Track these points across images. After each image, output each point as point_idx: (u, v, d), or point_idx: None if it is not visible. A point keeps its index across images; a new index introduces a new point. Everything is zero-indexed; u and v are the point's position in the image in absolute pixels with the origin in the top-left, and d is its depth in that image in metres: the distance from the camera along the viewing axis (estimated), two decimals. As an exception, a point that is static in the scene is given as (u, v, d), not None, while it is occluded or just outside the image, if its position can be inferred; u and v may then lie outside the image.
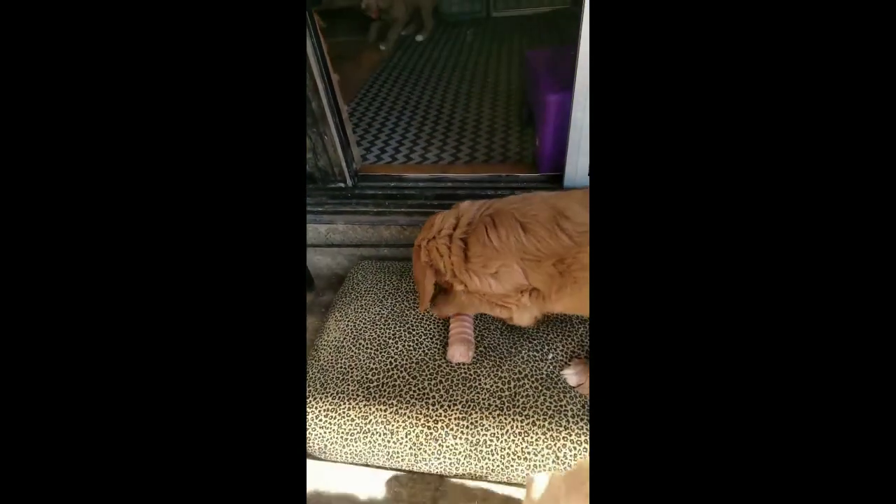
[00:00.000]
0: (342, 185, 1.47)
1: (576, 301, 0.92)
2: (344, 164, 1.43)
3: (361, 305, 1.31)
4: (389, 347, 1.16)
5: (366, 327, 1.23)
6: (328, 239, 1.54)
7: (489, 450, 0.98)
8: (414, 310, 1.26)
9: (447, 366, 1.10)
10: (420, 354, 1.14)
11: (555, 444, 0.95)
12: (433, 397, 1.05)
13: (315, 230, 1.53)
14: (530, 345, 1.13)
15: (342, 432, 1.04)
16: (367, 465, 1.10)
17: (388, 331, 1.21)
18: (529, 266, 0.93)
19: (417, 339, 1.17)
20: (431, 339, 1.17)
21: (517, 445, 0.97)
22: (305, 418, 1.06)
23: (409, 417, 1.02)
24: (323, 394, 1.09)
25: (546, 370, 1.07)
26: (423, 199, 1.40)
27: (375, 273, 1.42)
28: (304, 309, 1.58)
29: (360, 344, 1.19)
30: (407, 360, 1.13)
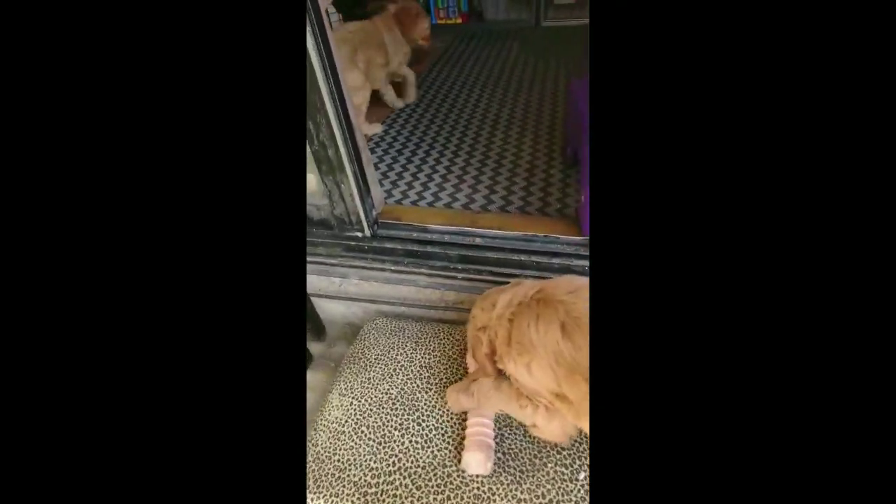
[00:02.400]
0: (359, 234, 1.36)
1: None
2: (362, 213, 1.32)
3: (368, 379, 1.19)
4: (394, 441, 1.04)
5: (370, 410, 1.12)
6: (342, 290, 1.44)
7: None
8: (426, 392, 1.13)
9: (458, 475, 0.97)
10: (428, 456, 1.01)
11: None
12: (438, 517, 0.91)
13: (329, 281, 1.43)
14: (559, 457, 0.97)
15: (331, 548, 0.93)
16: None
17: (394, 418, 1.09)
18: (562, 372, 0.83)
19: (427, 435, 1.04)
20: (443, 436, 1.04)
21: None
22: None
23: (408, 541, 0.89)
24: (316, 493, 0.98)
25: (577, 496, 0.91)
26: (446, 261, 1.27)
27: (389, 336, 1.31)
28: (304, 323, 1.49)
29: (361, 432, 1.07)
30: (412, 461, 1.00)
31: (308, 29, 0.96)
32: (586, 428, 0.87)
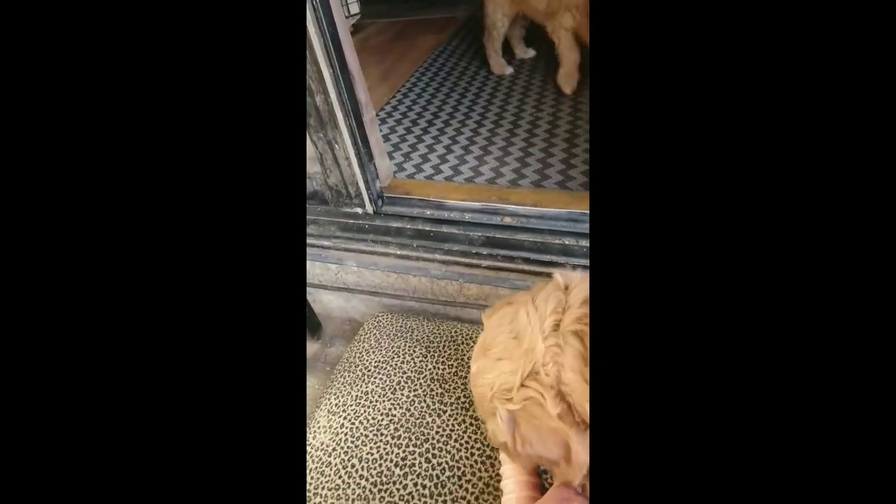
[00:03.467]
0: (359, 210, 1.09)
1: None
2: (361, 184, 1.04)
3: (366, 394, 0.93)
4: (394, 483, 0.77)
5: (367, 435, 0.85)
6: (339, 280, 1.17)
7: None
8: (439, 416, 0.86)
9: (480, 539, 0.69)
10: (439, 508, 0.73)
11: None
12: None
13: (325, 268, 1.16)
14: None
15: None
16: None
17: (396, 450, 0.81)
18: None
19: (438, 477, 0.77)
20: (460, 479, 0.76)
21: None
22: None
23: None
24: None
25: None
26: (466, 244, 0.99)
27: (393, 338, 1.04)
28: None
29: (352, 466, 0.81)
30: (418, 514, 0.73)
31: None
32: None
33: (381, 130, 1.66)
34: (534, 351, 0.54)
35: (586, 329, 0.52)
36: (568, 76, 1.69)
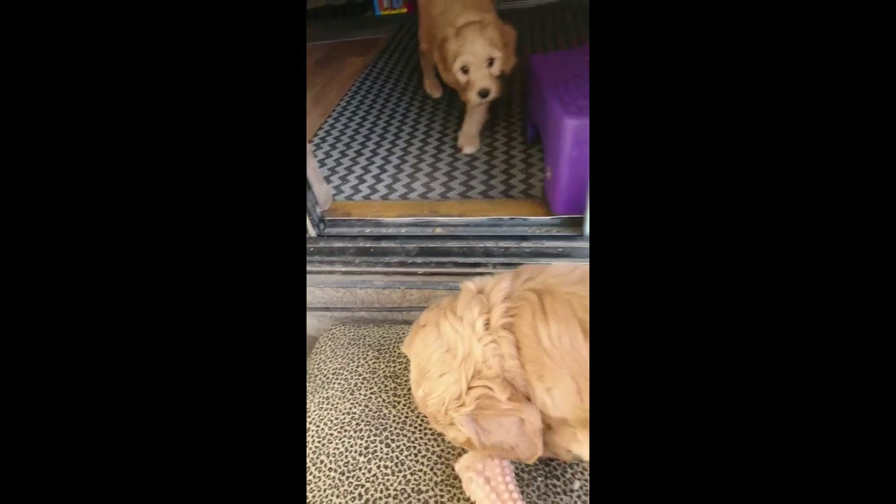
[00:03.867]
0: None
1: None
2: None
3: (327, 399, 1.03)
4: (359, 469, 0.89)
5: (331, 434, 0.96)
6: (290, 300, 1.26)
7: None
8: (394, 406, 0.98)
9: (435, 502, 0.82)
10: (400, 482, 0.86)
11: None
12: (417, 555, 0.77)
13: (274, 290, 1.25)
14: (548, 469, 0.84)
15: None
16: None
17: (359, 441, 0.93)
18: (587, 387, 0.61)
19: (398, 457, 0.90)
20: (416, 455, 0.89)
21: None
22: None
23: (382, 590, 0.75)
24: (268, 545, 0.81)
25: (573, 509, 0.79)
26: (403, 256, 1.12)
27: (347, 346, 1.15)
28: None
29: (321, 462, 0.91)
30: (381, 490, 0.85)
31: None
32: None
33: (316, 156, 1.76)
34: (471, 355, 0.64)
35: (512, 321, 0.64)
36: (468, 139, 1.61)
